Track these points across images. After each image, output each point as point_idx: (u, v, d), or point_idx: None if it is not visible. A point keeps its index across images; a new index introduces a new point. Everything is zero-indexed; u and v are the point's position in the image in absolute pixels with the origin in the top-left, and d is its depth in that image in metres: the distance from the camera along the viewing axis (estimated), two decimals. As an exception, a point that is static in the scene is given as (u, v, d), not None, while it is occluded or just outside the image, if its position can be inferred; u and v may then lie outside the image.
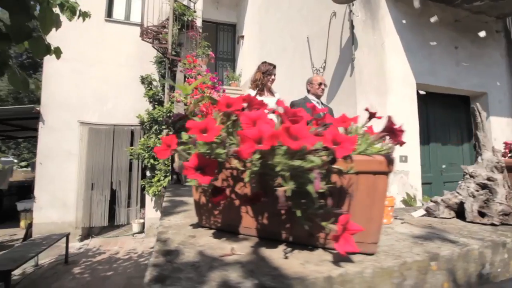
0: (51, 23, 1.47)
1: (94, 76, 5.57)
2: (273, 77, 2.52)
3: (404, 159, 2.81)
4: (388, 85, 2.83)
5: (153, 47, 5.22)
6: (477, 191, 0.72)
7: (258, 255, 0.43)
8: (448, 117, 3.50)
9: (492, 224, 0.66)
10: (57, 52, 1.94)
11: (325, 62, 3.23)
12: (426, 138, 3.29)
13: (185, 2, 6.18)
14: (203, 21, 7.81)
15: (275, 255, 0.44)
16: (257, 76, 2.51)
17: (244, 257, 0.43)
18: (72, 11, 2.30)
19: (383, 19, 2.90)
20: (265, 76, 2.48)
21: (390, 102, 2.82)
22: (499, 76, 3.47)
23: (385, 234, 0.59)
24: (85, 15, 2.42)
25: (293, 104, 2.44)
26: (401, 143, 0.52)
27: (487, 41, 3.40)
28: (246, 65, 7.32)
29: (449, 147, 3.45)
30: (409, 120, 2.87)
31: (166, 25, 5.47)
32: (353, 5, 2.80)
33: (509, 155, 1.21)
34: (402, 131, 0.60)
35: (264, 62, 2.57)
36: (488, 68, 3.41)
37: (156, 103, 5.60)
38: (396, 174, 2.76)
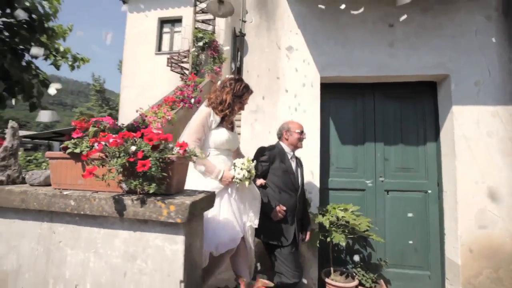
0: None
1: (149, 98, 7.60)
2: (245, 105, 1.77)
3: (296, 159, 2.65)
4: (280, 84, 2.77)
5: (172, 71, 6.63)
6: None
7: None
8: (404, 111, 2.83)
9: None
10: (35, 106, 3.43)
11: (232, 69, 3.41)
12: (362, 137, 2.84)
13: (210, 28, 7.34)
14: (237, 36, 8.76)
15: None
16: (224, 96, 1.65)
17: None
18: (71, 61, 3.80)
19: (281, 17, 2.85)
20: (235, 99, 1.66)
21: (282, 101, 2.74)
22: (477, 49, 2.48)
23: None
24: (84, 60, 3.90)
25: (263, 153, 1.98)
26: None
27: (456, 4, 2.54)
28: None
29: (402, 149, 2.78)
30: (309, 119, 2.68)
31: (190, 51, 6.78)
32: (247, 12, 2.94)
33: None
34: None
35: (239, 80, 1.71)
36: (453, 41, 2.52)
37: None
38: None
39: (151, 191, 0.98)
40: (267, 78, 2.80)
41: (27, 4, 2.63)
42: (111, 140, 0.95)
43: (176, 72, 6.78)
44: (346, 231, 2.38)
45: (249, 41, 2.90)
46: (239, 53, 2.90)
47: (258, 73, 2.82)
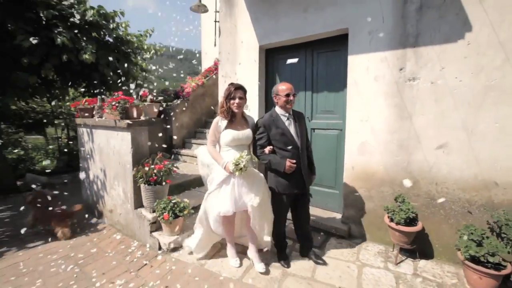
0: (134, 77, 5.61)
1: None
2: (237, 101, 2.10)
3: (246, 107, 3.94)
4: (237, 55, 3.96)
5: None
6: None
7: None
8: (330, 63, 3.38)
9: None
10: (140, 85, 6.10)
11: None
12: (297, 88, 3.68)
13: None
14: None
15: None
16: (222, 101, 2.15)
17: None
18: (153, 52, 6.36)
19: (237, 4, 3.87)
20: (228, 101, 2.10)
21: (238, 68, 3.97)
22: (373, 2, 2.67)
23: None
24: (160, 50, 6.38)
25: (259, 126, 2.22)
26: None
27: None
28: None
29: (326, 95, 3.45)
30: (252, 77, 3.83)
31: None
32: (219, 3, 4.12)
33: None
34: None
35: (231, 84, 2.18)
36: (353, -4, 2.79)
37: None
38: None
39: (121, 118, 2.94)
40: (231, 53, 4.07)
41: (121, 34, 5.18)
42: (113, 102, 2.96)
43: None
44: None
45: (221, 26, 4.17)
46: (215, 35, 4.20)
47: (226, 49, 4.12)
